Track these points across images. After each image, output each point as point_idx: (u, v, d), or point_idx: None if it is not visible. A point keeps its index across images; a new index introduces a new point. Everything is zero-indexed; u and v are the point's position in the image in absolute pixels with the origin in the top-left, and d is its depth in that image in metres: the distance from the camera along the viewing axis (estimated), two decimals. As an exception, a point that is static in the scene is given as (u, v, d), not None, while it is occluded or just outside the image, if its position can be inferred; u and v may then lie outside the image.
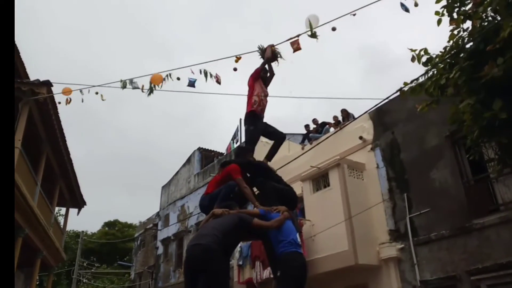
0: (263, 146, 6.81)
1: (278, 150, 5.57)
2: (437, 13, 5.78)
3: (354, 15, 5.26)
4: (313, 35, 5.21)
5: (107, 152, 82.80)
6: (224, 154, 19.56)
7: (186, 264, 3.44)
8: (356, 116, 11.69)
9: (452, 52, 5.68)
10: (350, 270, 9.80)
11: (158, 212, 23.70)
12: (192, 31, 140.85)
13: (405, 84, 5.96)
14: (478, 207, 8.60)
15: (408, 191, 9.96)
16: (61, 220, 19.43)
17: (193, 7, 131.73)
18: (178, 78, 6.06)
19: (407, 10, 5.33)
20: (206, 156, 21.56)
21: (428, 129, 9.77)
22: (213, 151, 21.81)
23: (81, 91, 6.85)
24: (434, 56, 5.96)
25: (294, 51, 5.40)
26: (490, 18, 5.43)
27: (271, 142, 5.68)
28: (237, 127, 18.32)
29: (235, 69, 5.72)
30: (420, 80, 6.01)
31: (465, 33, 5.64)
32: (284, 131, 5.83)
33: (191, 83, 6.11)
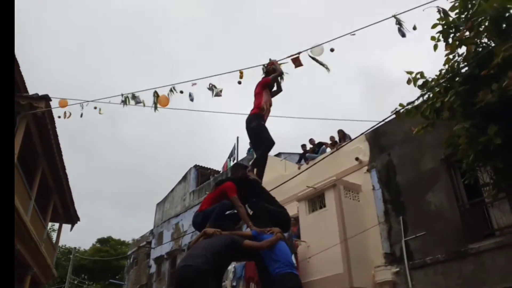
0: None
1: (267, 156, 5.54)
2: (433, 38, 5.89)
3: (353, 34, 5.40)
4: (326, 68, 5.59)
5: (103, 166, 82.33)
6: (221, 172, 19.49)
7: (176, 285, 3.41)
8: (352, 137, 11.74)
9: (448, 76, 5.76)
10: (345, 293, 9.66)
11: (152, 230, 23.40)
12: (194, 47, 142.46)
13: (401, 105, 6.03)
14: (474, 232, 8.56)
15: (404, 213, 9.91)
16: (53, 235, 19.19)
17: (196, 24, 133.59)
18: (181, 92, 6.66)
19: (403, 35, 5.45)
20: (202, 173, 21.44)
21: (424, 152, 9.80)
22: (210, 168, 21.72)
23: (81, 105, 7.01)
24: (430, 79, 6.04)
25: (296, 67, 5.54)
26: (484, 44, 5.54)
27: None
28: (234, 145, 18.34)
29: (239, 82, 6.03)
30: (416, 103, 6.08)
31: (460, 57, 5.74)
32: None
33: (191, 98, 6.56)
